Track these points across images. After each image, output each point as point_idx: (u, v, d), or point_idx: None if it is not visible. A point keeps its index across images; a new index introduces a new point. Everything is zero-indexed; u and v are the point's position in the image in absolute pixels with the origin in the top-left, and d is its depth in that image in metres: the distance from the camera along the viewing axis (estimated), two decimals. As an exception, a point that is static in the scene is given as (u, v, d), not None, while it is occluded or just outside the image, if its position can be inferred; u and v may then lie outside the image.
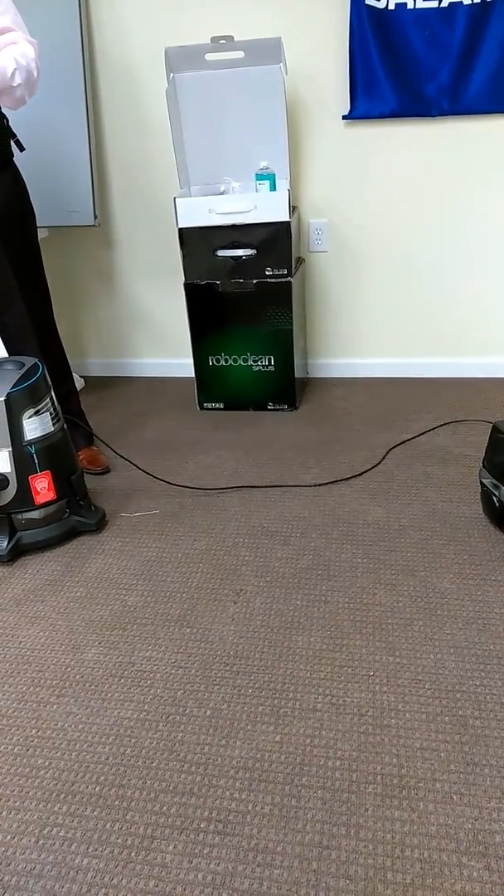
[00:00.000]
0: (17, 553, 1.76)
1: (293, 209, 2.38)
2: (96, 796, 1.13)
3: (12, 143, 1.84)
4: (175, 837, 1.05)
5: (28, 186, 1.92)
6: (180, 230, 2.34)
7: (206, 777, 1.15)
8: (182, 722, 1.25)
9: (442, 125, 2.36)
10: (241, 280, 2.37)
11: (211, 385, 2.55)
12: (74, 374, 2.85)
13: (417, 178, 2.45)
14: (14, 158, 1.87)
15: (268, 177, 2.32)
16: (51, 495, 1.75)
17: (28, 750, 1.22)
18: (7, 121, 1.83)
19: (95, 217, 2.54)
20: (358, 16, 2.23)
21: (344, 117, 2.39)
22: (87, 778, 1.16)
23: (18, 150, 1.85)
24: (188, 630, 1.48)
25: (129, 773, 1.16)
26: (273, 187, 2.33)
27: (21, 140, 1.88)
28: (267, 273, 2.35)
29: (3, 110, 1.81)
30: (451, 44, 2.23)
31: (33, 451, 1.70)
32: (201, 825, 1.07)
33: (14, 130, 1.87)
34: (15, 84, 1.66)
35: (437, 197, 2.46)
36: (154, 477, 2.03)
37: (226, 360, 2.50)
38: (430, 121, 2.36)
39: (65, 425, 1.81)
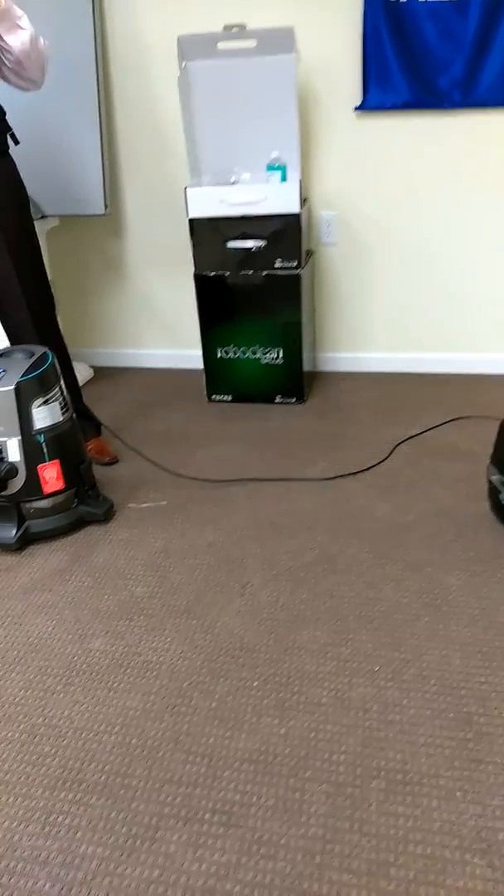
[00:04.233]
0: (25, 542, 1.77)
1: (304, 201, 2.36)
2: (102, 785, 1.14)
3: (8, 136, 1.86)
4: (180, 828, 1.06)
5: (39, 175, 1.91)
6: (190, 220, 2.34)
7: (211, 768, 1.15)
8: (187, 713, 1.26)
9: (454, 117, 2.34)
10: (251, 272, 2.36)
11: (219, 377, 2.54)
12: (83, 364, 2.86)
13: (429, 170, 2.43)
14: (11, 151, 1.87)
15: (279, 168, 2.30)
16: (59, 485, 1.76)
17: (34, 738, 1.23)
18: (5, 114, 1.84)
19: (106, 206, 2.53)
20: (371, 6, 2.21)
21: (356, 108, 2.37)
22: (93, 767, 1.17)
23: (14, 144, 1.87)
24: (194, 622, 1.48)
25: (134, 762, 1.17)
26: (284, 178, 2.31)
27: (31, 129, 1.88)
28: (276, 265, 2.34)
29: (1, 105, 1.81)
30: (465, 36, 2.21)
31: (42, 441, 1.71)
32: (206, 816, 1.08)
33: (21, 119, 1.87)
34: (41, 47, 1.74)
35: (449, 190, 2.44)
36: (162, 468, 2.03)
37: (234, 353, 2.49)
38: (442, 113, 2.34)
39: (74, 415, 1.82)
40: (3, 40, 1.70)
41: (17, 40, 1.71)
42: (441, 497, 1.87)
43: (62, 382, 1.78)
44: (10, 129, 1.85)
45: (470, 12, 2.17)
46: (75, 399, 2.10)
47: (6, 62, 1.74)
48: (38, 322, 1.95)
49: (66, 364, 2.08)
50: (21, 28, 1.70)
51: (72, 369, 2.13)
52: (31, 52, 1.73)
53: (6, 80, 1.78)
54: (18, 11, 1.71)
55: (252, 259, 2.34)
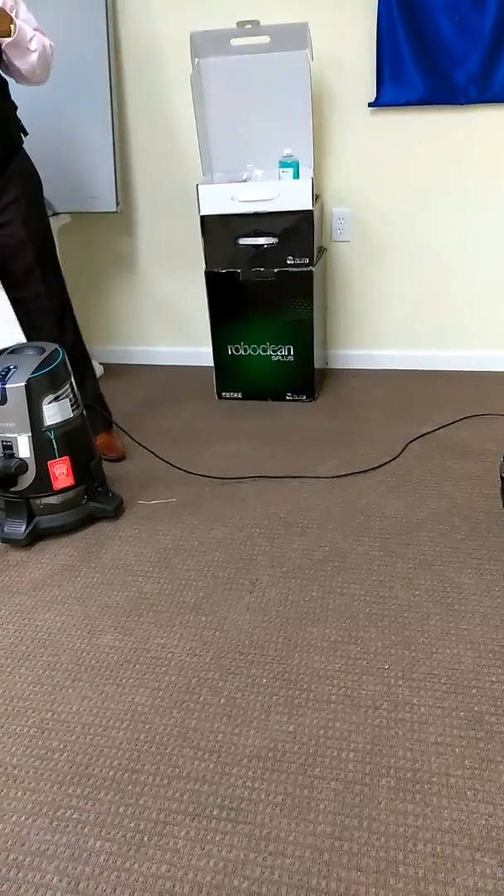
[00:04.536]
0: (34, 538, 1.77)
1: (316, 198, 2.35)
2: (110, 780, 1.14)
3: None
4: (187, 823, 1.06)
5: (50, 172, 1.94)
6: (202, 217, 2.33)
7: (220, 765, 1.15)
8: (196, 709, 1.26)
9: (470, 113, 2.32)
10: (262, 269, 2.35)
11: (230, 374, 2.54)
12: (94, 362, 2.86)
13: (443, 167, 2.41)
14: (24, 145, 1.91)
15: (291, 164, 2.29)
16: (69, 481, 1.76)
17: (43, 732, 1.23)
18: (16, 109, 1.88)
19: (117, 203, 2.54)
20: (386, 0, 2.19)
21: (370, 104, 2.36)
22: (102, 762, 1.17)
23: (23, 135, 1.91)
24: (203, 618, 1.48)
25: (142, 758, 1.17)
26: (296, 175, 2.30)
27: (44, 126, 1.92)
28: (288, 262, 2.33)
29: (12, 99, 1.85)
30: (481, 30, 2.19)
31: (52, 437, 1.71)
32: (214, 812, 1.07)
33: (34, 116, 1.92)
34: (47, 54, 1.79)
35: (463, 187, 2.42)
36: (171, 465, 2.03)
37: (245, 350, 2.49)
38: (457, 108, 2.32)
39: (84, 412, 1.82)
40: (12, 63, 1.74)
41: (26, 62, 1.75)
42: (453, 495, 1.86)
43: (73, 379, 1.78)
44: (19, 120, 1.89)
45: (487, 6, 2.15)
46: (90, 389, 2.13)
47: (13, 74, 1.79)
48: (56, 309, 1.99)
49: (83, 354, 2.11)
50: (31, 51, 1.73)
51: (88, 359, 2.15)
52: (37, 67, 1.77)
53: (11, 77, 1.80)
54: (28, 33, 1.72)
55: (264, 256, 2.34)
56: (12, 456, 1.69)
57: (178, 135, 2.54)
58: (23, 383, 1.65)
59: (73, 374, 1.83)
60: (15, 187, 1.84)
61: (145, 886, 0.98)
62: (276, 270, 2.34)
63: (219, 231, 2.34)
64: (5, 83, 1.81)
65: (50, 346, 1.75)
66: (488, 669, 1.30)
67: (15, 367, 1.68)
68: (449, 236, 2.50)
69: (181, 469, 2.02)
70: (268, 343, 2.45)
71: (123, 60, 2.49)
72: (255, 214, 2.29)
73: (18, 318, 2.01)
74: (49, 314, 1.97)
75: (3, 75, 1.79)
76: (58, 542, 1.78)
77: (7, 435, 1.69)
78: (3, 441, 1.69)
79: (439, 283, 2.57)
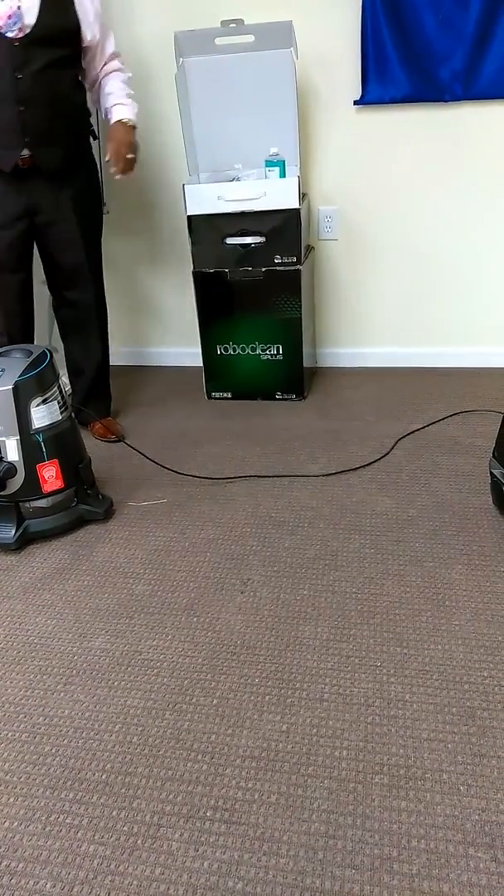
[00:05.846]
0: (24, 541, 1.76)
1: (303, 196, 2.35)
2: (103, 784, 1.13)
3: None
4: (181, 825, 1.06)
5: None
6: (189, 217, 2.33)
7: (213, 766, 1.15)
8: (188, 711, 1.25)
9: (455, 110, 2.33)
10: (250, 268, 2.35)
11: (219, 374, 2.54)
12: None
13: (430, 164, 2.41)
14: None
15: (277, 163, 2.29)
16: (58, 484, 1.75)
17: (35, 737, 1.22)
18: (90, 115, 2.06)
19: (104, 204, 2.52)
20: (370, -2, 2.20)
21: (355, 102, 2.36)
22: (94, 765, 1.16)
23: (93, 139, 2.09)
24: (195, 619, 1.48)
25: (135, 760, 1.17)
26: (283, 174, 2.30)
27: None
28: (276, 261, 2.33)
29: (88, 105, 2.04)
30: (466, 27, 2.19)
31: (41, 440, 1.70)
32: (207, 813, 1.07)
33: None
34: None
35: (450, 184, 2.43)
36: (161, 466, 2.02)
37: (234, 349, 2.49)
38: (442, 106, 2.33)
39: (73, 414, 1.81)
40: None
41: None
42: (443, 491, 1.86)
43: (60, 381, 1.77)
44: (91, 126, 2.05)
45: (470, 3, 2.15)
46: (102, 379, 2.33)
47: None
48: (100, 305, 2.22)
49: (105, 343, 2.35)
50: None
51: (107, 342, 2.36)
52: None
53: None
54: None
55: (251, 255, 2.33)
56: (0, 459, 1.68)
57: (164, 135, 2.53)
58: (10, 386, 1.64)
59: (102, 362, 2.24)
60: (79, 188, 2.03)
61: (139, 890, 0.97)
62: (263, 269, 2.34)
63: (206, 231, 2.33)
64: (84, 91, 2.00)
65: (37, 349, 1.75)
66: (480, 665, 1.30)
67: (2, 370, 1.67)
68: (436, 233, 2.50)
69: (171, 470, 2.01)
70: (257, 342, 2.45)
71: (107, 61, 2.47)
72: (242, 214, 2.28)
73: (66, 315, 2.22)
74: (95, 314, 2.20)
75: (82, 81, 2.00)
76: (48, 545, 1.78)
77: (-5, 438, 1.68)
78: (-9, 444, 1.68)
79: (427, 279, 2.58)
